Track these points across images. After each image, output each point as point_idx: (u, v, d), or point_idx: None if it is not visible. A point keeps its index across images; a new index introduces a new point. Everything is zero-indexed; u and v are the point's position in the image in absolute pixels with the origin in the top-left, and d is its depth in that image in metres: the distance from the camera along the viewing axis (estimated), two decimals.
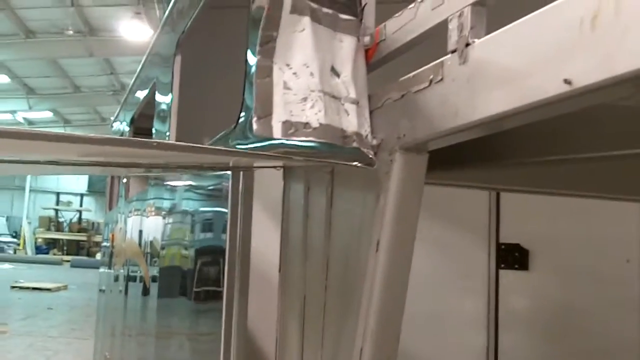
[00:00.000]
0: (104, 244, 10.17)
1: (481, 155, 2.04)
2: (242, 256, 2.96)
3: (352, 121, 1.75)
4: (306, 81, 1.72)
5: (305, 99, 1.71)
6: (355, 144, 1.74)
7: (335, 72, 1.78)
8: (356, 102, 1.78)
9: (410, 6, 1.68)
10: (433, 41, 1.62)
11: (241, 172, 3.01)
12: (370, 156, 1.74)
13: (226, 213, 3.85)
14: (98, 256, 35.84)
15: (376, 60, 1.85)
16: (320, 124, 1.69)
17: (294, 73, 1.74)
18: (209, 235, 4.56)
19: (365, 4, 1.86)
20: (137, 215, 6.47)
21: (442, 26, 1.54)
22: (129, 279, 6.71)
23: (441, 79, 1.51)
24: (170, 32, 4.95)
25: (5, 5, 22.18)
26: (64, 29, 23.32)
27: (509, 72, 1.28)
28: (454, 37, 1.47)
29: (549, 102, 1.19)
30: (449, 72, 1.48)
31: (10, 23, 23.33)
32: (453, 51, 1.47)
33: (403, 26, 1.70)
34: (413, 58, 1.76)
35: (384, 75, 1.87)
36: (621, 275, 4.55)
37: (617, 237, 4.54)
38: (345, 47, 1.82)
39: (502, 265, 4.76)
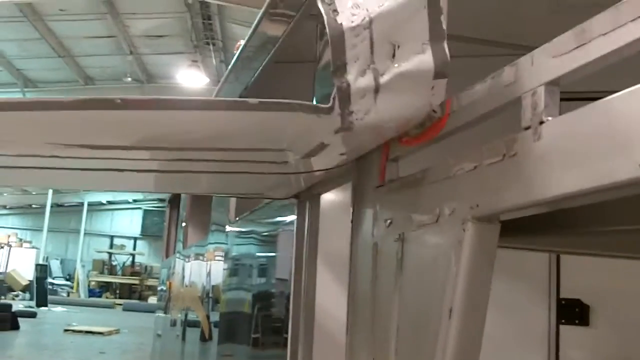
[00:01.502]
0: (161, 287, 10.30)
1: (543, 222, 2.08)
2: (307, 304, 3.02)
3: None
4: None
5: None
6: None
7: None
8: None
9: (482, 81, 1.74)
10: None
11: (307, 216, 3.08)
12: None
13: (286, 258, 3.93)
14: (150, 300, 36.21)
15: (446, 132, 1.91)
16: None
17: None
18: (265, 280, 4.64)
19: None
20: (197, 260, 6.58)
21: (515, 102, 1.60)
22: (187, 324, 6.79)
23: (514, 154, 1.56)
24: (234, 82, 5.10)
25: (66, 52, 22.85)
26: (122, 77, 23.93)
27: (585, 153, 1.33)
28: (527, 114, 1.53)
29: (626, 185, 1.23)
30: (522, 147, 1.53)
31: (70, 70, 23.99)
32: (527, 127, 1.52)
33: (475, 100, 1.76)
34: None
35: None
36: None
37: None
38: None
39: (563, 321, 4.73)
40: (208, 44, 21.93)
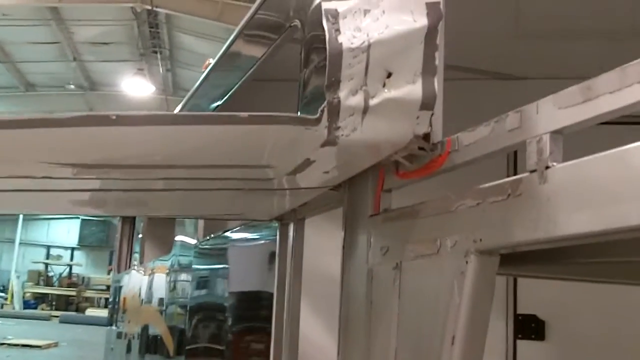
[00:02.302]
0: (111, 299, 10.24)
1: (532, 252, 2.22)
2: (290, 331, 3.13)
3: None
4: None
5: None
6: None
7: None
8: None
9: (485, 124, 1.88)
10: None
11: (290, 239, 3.17)
12: None
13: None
14: (88, 312, 35.65)
15: (446, 168, 2.05)
16: None
17: None
18: (211, 292, 4.71)
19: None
20: (158, 274, 6.59)
21: (519, 146, 1.74)
22: (146, 339, 6.79)
23: (520, 195, 1.70)
24: (201, 98, 5.16)
25: (7, 58, 22.48)
26: (64, 84, 23.63)
27: (591, 199, 1.48)
28: (532, 158, 1.67)
29: (629, 229, 1.38)
30: (527, 189, 1.68)
31: (10, 76, 23.59)
32: (532, 171, 1.67)
33: (477, 141, 1.91)
34: None
35: None
36: (638, 345, 4.70)
37: (633, 306, 4.68)
38: None
39: (520, 336, 4.91)
40: (155, 52, 21.81)
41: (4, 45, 22.03)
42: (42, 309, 40.29)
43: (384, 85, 2.05)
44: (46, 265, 44.08)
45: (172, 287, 5.90)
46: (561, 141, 1.64)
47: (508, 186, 1.74)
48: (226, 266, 4.75)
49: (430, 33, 2.08)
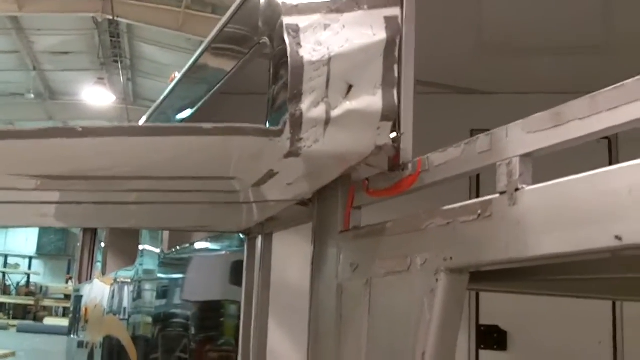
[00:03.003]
0: (72, 309, 10.18)
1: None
2: (258, 344, 3.14)
3: None
4: None
5: None
6: None
7: None
8: None
9: (455, 145, 1.92)
10: None
11: (258, 253, 3.19)
12: None
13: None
14: (46, 321, 35.18)
15: (417, 187, 2.09)
16: None
17: None
18: (174, 301, 4.72)
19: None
20: (121, 284, 6.56)
21: (489, 168, 1.79)
22: (109, 349, 6.75)
23: (490, 215, 1.74)
24: (166, 111, 5.16)
25: None
26: (24, 92, 23.38)
27: (561, 221, 1.53)
28: (503, 180, 1.71)
29: (599, 251, 1.43)
30: (498, 210, 1.72)
31: None
32: (502, 192, 1.71)
33: (447, 162, 1.95)
34: None
35: None
36: (594, 356, 4.80)
37: (591, 319, 4.78)
38: None
39: (482, 346, 4.98)
40: (116, 61, 21.68)
41: None
42: (0, 318, 39.68)
43: (345, 98, 2.10)
44: (3, 274, 43.45)
45: (136, 297, 5.88)
46: (531, 164, 1.69)
47: (478, 207, 1.79)
48: (189, 276, 4.75)
49: (389, 46, 2.15)
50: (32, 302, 41.81)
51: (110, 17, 17.91)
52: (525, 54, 4.68)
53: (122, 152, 2.17)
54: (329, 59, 2.07)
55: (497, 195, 1.73)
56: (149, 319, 5.38)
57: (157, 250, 5.23)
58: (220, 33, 3.78)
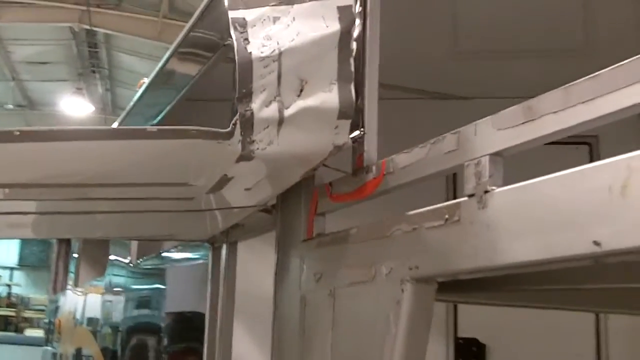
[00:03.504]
0: (46, 320, 10.08)
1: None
2: (223, 354, 2.99)
3: None
4: None
5: None
6: None
7: None
8: None
9: (421, 145, 1.78)
10: None
11: (222, 262, 3.04)
12: None
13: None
14: (27, 332, 34.80)
15: (381, 191, 1.95)
16: None
17: None
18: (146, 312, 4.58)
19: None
20: (91, 294, 6.44)
21: (457, 169, 1.65)
22: None
23: (457, 220, 1.60)
24: (136, 116, 5.02)
25: None
26: (3, 103, 23.12)
27: (535, 225, 1.39)
28: (471, 182, 1.57)
29: (577, 258, 1.29)
30: (466, 214, 1.58)
31: None
32: (470, 195, 1.57)
33: (413, 163, 1.81)
34: None
35: None
36: None
37: (570, 331, 4.66)
38: None
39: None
40: (94, 72, 21.41)
41: None
42: None
43: (299, 95, 1.94)
44: None
45: (107, 308, 5.73)
46: (501, 164, 1.55)
47: (445, 211, 1.65)
48: (162, 286, 4.61)
49: (343, 38, 1.98)
50: (13, 314, 41.36)
51: (87, 27, 17.69)
52: (502, 58, 4.56)
53: (68, 157, 2.02)
54: (280, 54, 1.91)
55: (465, 199, 1.59)
56: (119, 331, 5.23)
57: (126, 261, 5.08)
58: (187, 37, 3.65)
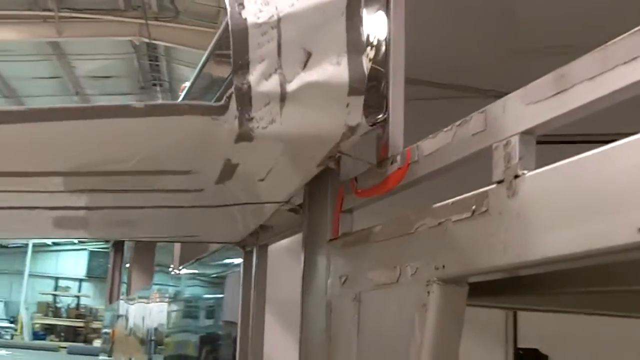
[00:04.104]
0: (105, 331, 10.14)
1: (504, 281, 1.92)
2: (254, 354, 2.83)
3: None
4: None
5: None
6: None
7: None
8: None
9: (446, 129, 1.58)
10: None
11: (253, 265, 2.88)
12: None
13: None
14: (96, 343, 35.36)
15: (408, 182, 1.74)
16: None
17: None
18: (213, 322, 4.44)
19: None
20: (140, 303, 6.38)
21: (485, 152, 1.44)
22: None
23: (486, 211, 1.39)
24: None
25: (11, 93, 22.45)
26: None
27: (570, 212, 1.17)
28: (499, 166, 1.37)
29: (620, 250, 1.07)
30: (495, 204, 1.37)
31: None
32: (499, 182, 1.36)
33: (438, 149, 1.60)
34: None
35: None
36: None
37: (634, 338, 4.36)
38: None
39: None
40: (155, 85, 21.62)
41: (8, 81, 21.90)
42: (51, 340, 40.03)
43: (303, 68, 1.72)
44: (54, 296, 43.87)
45: (162, 317, 5.64)
46: (533, 144, 1.34)
47: (472, 201, 1.44)
48: (220, 295, 4.49)
49: (352, 4, 1.75)
50: (82, 325, 42.10)
51: (147, 40, 17.84)
52: (561, 54, 4.31)
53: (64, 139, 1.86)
54: (279, 20, 1.70)
55: (493, 186, 1.38)
56: (169, 338, 5.13)
57: (169, 269, 4.98)
58: (220, 40, 3.52)
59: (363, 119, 1.77)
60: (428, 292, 1.56)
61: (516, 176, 1.32)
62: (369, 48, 1.96)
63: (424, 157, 1.66)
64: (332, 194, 2.12)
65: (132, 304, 6.82)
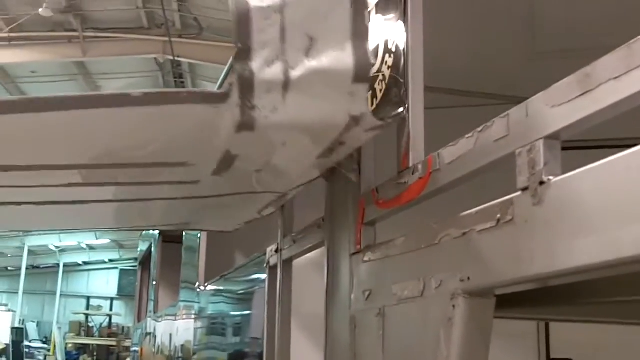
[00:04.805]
0: (134, 349, 10.14)
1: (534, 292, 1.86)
2: None
3: None
4: None
5: None
6: None
7: None
8: None
9: (468, 135, 1.52)
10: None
11: (278, 281, 2.82)
12: None
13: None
14: None
15: (430, 192, 1.69)
16: None
17: None
18: (240, 339, 4.40)
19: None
20: (167, 320, 6.35)
21: (509, 158, 1.38)
22: None
23: (511, 219, 1.34)
24: None
25: None
26: None
27: (599, 219, 1.11)
28: (524, 173, 1.31)
29: None
30: (520, 212, 1.31)
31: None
32: (524, 189, 1.30)
33: (460, 157, 1.55)
34: None
35: None
36: None
37: None
38: None
39: None
40: None
41: None
42: None
43: (306, 55, 1.66)
44: (87, 315, 44.10)
45: (184, 334, 5.60)
46: (559, 148, 1.28)
47: (497, 210, 1.38)
48: (247, 312, 4.44)
49: None
50: (114, 343, 42.26)
51: (171, 58, 17.91)
52: (584, 57, 4.23)
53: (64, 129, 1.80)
54: (282, 5, 1.64)
55: (518, 193, 1.33)
56: (197, 355, 5.09)
57: (194, 286, 4.94)
58: None
59: (368, 109, 1.71)
60: (453, 306, 1.50)
61: (541, 182, 1.26)
62: (387, 55, 1.92)
63: (446, 165, 1.61)
64: (353, 206, 2.07)
65: (159, 322, 6.79)
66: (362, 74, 1.68)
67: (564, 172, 1.24)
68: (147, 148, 1.91)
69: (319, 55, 1.66)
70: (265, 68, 1.63)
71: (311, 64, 1.66)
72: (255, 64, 1.62)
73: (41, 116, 1.68)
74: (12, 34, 14.24)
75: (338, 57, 1.66)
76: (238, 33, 1.62)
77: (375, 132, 1.79)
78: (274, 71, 1.64)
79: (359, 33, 1.68)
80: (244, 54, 1.61)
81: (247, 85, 1.62)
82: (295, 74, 1.65)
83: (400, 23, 1.92)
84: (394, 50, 1.91)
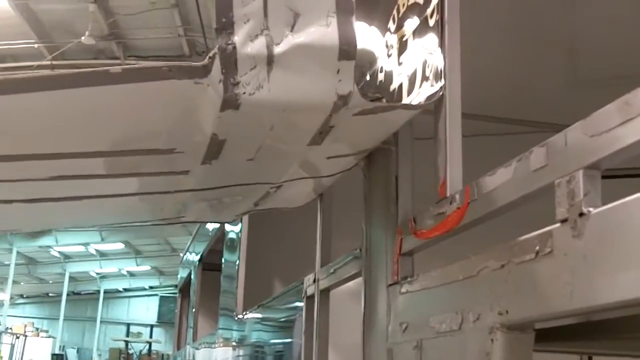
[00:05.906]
0: None
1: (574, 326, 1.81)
2: None
3: None
4: None
5: None
6: None
7: None
8: None
9: (506, 164, 1.50)
10: None
11: (315, 312, 2.80)
12: None
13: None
14: None
15: (468, 222, 1.66)
16: None
17: None
18: None
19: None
20: (207, 348, 6.33)
21: (548, 189, 1.35)
22: None
23: (550, 252, 1.30)
24: None
25: None
26: None
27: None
28: (563, 204, 1.28)
29: None
30: (559, 244, 1.28)
31: None
32: (563, 220, 1.27)
33: (498, 187, 1.52)
34: None
35: None
36: None
37: None
38: None
39: None
40: None
41: None
42: None
43: (291, 30, 1.63)
44: (126, 342, 44.30)
45: None
46: (599, 179, 1.25)
47: (536, 242, 1.35)
48: (288, 340, 4.40)
49: None
50: None
51: None
52: (626, 84, 4.17)
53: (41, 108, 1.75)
54: None
55: (557, 225, 1.29)
56: None
57: (233, 313, 4.92)
58: None
59: (355, 88, 1.68)
60: (492, 340, 1.46)
61: (581, 214, 1.23)
62: (424, 81, 1.91)
63: (484, 195, 1.58)
64: (390, 236, 2.04)
65: (198, 349, 6.78)
66: (347, 49, 1.64)
67: (604, 203, 1.21)
68: (131, 131, 1.87)
69: (304, 30, 1.63)
70: (248, 42, 1.60)
71: (296, 39, 1.63)
72: (238, 38, 1.59)
73: (16, 98, 1.65)
74: (55, 62, 14.46)
75: (322, 32, 1.63)
76: (219, 6, 1.59)
77: (364, 116, 1.75)
78: (257, 46, 1.61)
79: (344, 7, 1.65)
80: (225, 27, 1.59)
81: (229, 59, 1.59)
82: (279, 49, 1.62)
83: (438, 50, 1.91)
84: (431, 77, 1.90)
